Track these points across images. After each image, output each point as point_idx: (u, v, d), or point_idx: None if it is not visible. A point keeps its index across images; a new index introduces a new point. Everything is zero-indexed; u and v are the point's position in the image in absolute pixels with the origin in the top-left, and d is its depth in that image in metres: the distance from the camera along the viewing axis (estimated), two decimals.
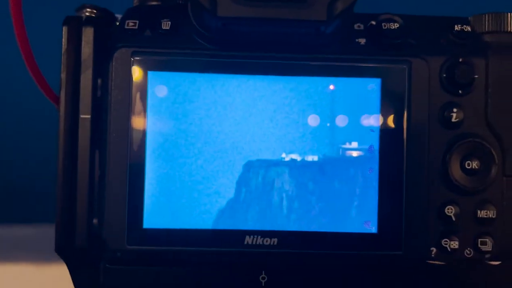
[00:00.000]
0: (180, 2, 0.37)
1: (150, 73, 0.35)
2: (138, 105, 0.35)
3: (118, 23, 0.37)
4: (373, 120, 0.35)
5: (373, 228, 0.35)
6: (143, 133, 0.35)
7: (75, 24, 0.35)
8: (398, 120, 0.35)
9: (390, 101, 0.35)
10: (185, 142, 0.35)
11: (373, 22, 0.36)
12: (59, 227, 0.35)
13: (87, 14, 0.37)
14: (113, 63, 0.35)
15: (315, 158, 0.35)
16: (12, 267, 0.58)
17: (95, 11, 0.37)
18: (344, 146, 0.35)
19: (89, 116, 0.35)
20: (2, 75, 0.68)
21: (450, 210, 0.35)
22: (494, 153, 0.36)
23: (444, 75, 0.36)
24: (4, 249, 0.63)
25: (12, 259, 0.58)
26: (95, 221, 0.35)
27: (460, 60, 0.36)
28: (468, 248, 0.35)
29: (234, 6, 0.31)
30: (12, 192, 0.72)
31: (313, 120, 0.35)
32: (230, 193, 0.35)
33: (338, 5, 0.32)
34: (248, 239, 0.35)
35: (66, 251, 0.35)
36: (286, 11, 0.32)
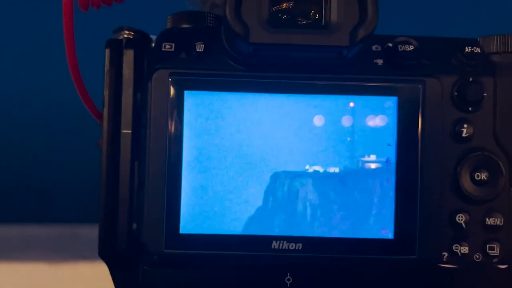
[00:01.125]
0: (210, 25, 0.41)
1: (186, 92, 0.38)
2: (175, 121, 0.38)
3: (153, 44, 0.40)
4: (390, 135, 0.38)
5: (389, 234, 0.38)
6: (180, 146, 0.38)
7: (117, 47, 0.39)
8: (413, 135, 0.38)
9: (406, 117, 0.38)
10: (217, 155, 0.38)
11: (390, 44, 0.39)
12: (102, 232, 0.38)
13: (125, 36, 0.40)
14: (152, 83, 0.38)
15: (336, 170, 0.38)
16: (25, 266, 0.60)
17: (132, 33, 0.41)
18: (363, 158, 0.38)
19: (130, 131, 0.38)
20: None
21: (461, 218, 0.38)
22: (501, 165, 0.38)
23: (456, 93, 0.39)
24: (16, 248, 0.65)
25: (25, 258, 0.60)
26: (134, 226, 0.38)
27: (470, 79, 0.39)
28: (477, 253, 0.38)
29: (265, 34, 0.35)
30: (27, 192, 0.74)
31: (335, 135, 0.38)
32: (259, 202, 0.38)
33: (360, 32, 0.35)
34: (275, 244, 0.38)
35: (108, 254, 0.38)
36: (311, 37, 0.35)
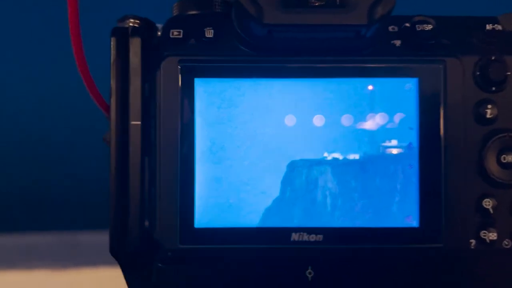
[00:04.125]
0: (218, 10, 0.39)
1: (196, 80, 0.36)
2: (186, 110, 0.36)
3: (160, 32, 0.39)
4: (411, 118, 0.37)
5: (414, 222, 0.36)
6: (192, 137, 0.36)
7: (123, 35, 0.37)
8: (435, 118, 0.37)
9: (427, 100, 0.37)
10: (231, 144, 0.36)
11: (407, 24, 0.37)
12: (112, 230, 0.36)
13: (130, 24, 0.39)
14: (161, 71, 0.36)
15: (356, 156, 0.36)
16: (28, 274, 0.59)
17: (138, 21, 0.39)
18: (384, 144, 0.37)
19: (139, 123, 0.36)
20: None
21: (488, 203, 0.37)
22: None
23: (478, 73, 0.37)
24: (19, 257, 0.64)
25: (27, 267, 0.59)
26: (146, 223, 0.37)
27: (493, 58, 0.37)
28: (507, 239, 0.37)
29: (280, 14, 0.33)
30: (29, 200, 0.74)
31: (353, 120, 0.37)
32: (276, 193, 0.36)
33: (378, 10, 0.33)
34: (294, 236, 0.36)
35: (119, 253, 0.37)
36: (329, 16, 0.33)
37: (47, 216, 0.72)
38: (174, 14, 0.39)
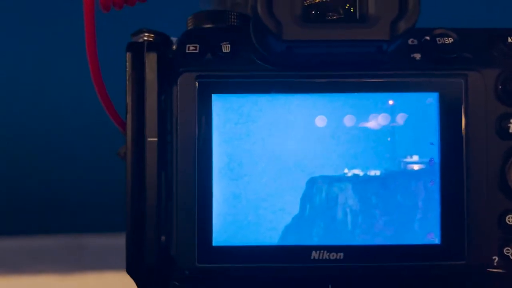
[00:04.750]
0: (234, 24, 0.38)
1: (214, 95, 0.36)
2: (203, 127, 0.36)
3: (175, 46, 0.38)
4: (432, 133, 0.36)
5: (436, 239, 0.36)
6: (209, 153, 0.36)
7: (138, 50, 0.36)
8: (456, 132, 0.36)
9: (448, 114, 0.36)
10: (249, 161, 0.36)
11: (427, 37, 0.37)
12: (129, 247, 0.36)
13: (145, 38, 0.38)
14: (178, 87, 0.36)
15: (377, 172, 0.36)
16: (33, 278, 0.58)
17: (153, 35, 0.38)
18: (405, 159, 0.36)
19: (156, 139, 0.36)
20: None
21: (511, 219, 0.36)
22: None
23: (500, 87, 0.36)
24: (25, 260, 0.64)
25: (33, 270, 0.59)
26: (163, 239, 0.36)
27: None
28: None
29: (299, 30, 0.32)
30: (35, 203, 0.73)
31: (373, 135, 0.36)
32: (295, 210, 0.36)
33: (401, 25, 0.32)
34: (315, 254, 0.35)
35: (136, 270, 0.36)
36: (349, 32, 0.33)
37: (53, 220, 0.72)
38: (189, 28, 0.39)
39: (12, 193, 0.72)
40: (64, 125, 0.72)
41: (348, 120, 0.36)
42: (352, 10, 0.34)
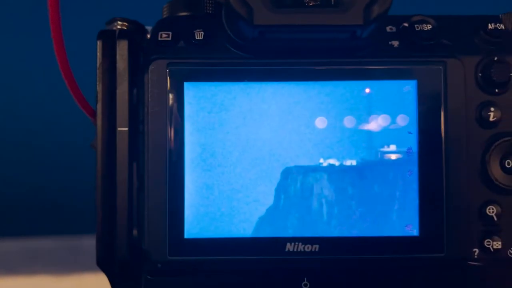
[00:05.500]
0: (210, 12, 0.38)
1: (186, 83, 0.35)
2: (175, 115, 0.35)
3: (149, 35, 0.37)
4: (411, 122, 0.35)
5: (414, 231, 0.35)
6: (181, 143, 0.35)
7: (109, 38, 0.35)
8: (435, 121, 0.35)
9: (427, 102, 0.35)
10: (222, 151, 0.35)
11: (406, 24, 0.36)
12: (99, 240, 0.35)
13: (118, 27, 0.37)
14: (149, 75, 0.35)
15: (354, 162, 0.35)
16: (32, 279, 0.58)
17: (126, 24, 0.38)
18: (382, 149, 0.35)
19: (126, 129, 0.35)
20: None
21: (492, 210, 0.35)
22: None
23: (480, 75, 0.36)
24: (22, 262, 0.64)
25: (29, 272, 0.59)
26: (134, 232, 0.35)
27: (495, 58, 0.36)
28: (511, 248, 0.35)
29: (270, 15, 0.31)
30: (31, 204, 0.73)
31: (350, 124, 0.35)
32: (269, 201, 0.35)
33: (375, 9, 0.32)
34: (289, 246, 0.35)
35: (107, 264, 0.35)
36: (323, 16, 0.32)
37: (50, 221, 0.71)
38: (164, 16, 0.38)
39: (9, 194, 0.72)
40: (63, 127, 0.72)
41: (324, 109, 0.35)
42: None
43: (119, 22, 0.37)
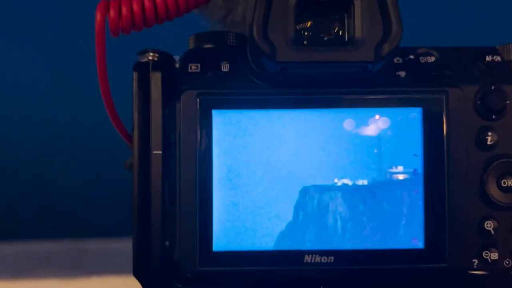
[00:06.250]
0: (232, 44, 0.41)
1: (214, 111, 0.39)
2: (204, 140, 0.38)
3: (177, 65, 0.41)
4: (416, 146, 0.39)
5: (420, 244, 0.38)
6: (210, 164, 0.39)
7: (144, 70, 0.39)
8: (438, 145, 0.39)
9: (431, 128, 0.39)
10: (247, 171, 0.39)
11: (411, 56, 0.40)
12: (136, 252, 0.39)
13: (150, 58, 0.41)
14: (181, 104, 0.39)
15: (365, 182, 0.39)
16: (37, 282, 0.59)
17: (157, 55, 0.41)
18: (390, 170, 0.39)
19: (160, 152, 0.39)
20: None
21: (489, 225, 0.39)
22: None
23: (479, 102, 0.39)
24: (28, 265, 0.65)
25: (36, 274, 0.60)
26: (167, 243, 0.39)
27: (492, 87, 0.39)
28: (507, 259, 0.39)
29: (291, 52, 0.35)
30: (37, 208, 0.74)
31: (361, 147, 0.39)
32: (289, 217, 0.39)
33: (385, 47, 0.35)
34: (307, 258, 0.38)
35: (142, 273, 0.39)
36: (337, 54, 0.36)
37: (55, 224, 0.73)
38: (190, 47, 0.41)
39: (14, 198, 0.73)
40: (68, 132, 0.73)
41: (338, 134, 0.39)
42: (341, 33, 0.37)
43: (151, 54, 0.41)
